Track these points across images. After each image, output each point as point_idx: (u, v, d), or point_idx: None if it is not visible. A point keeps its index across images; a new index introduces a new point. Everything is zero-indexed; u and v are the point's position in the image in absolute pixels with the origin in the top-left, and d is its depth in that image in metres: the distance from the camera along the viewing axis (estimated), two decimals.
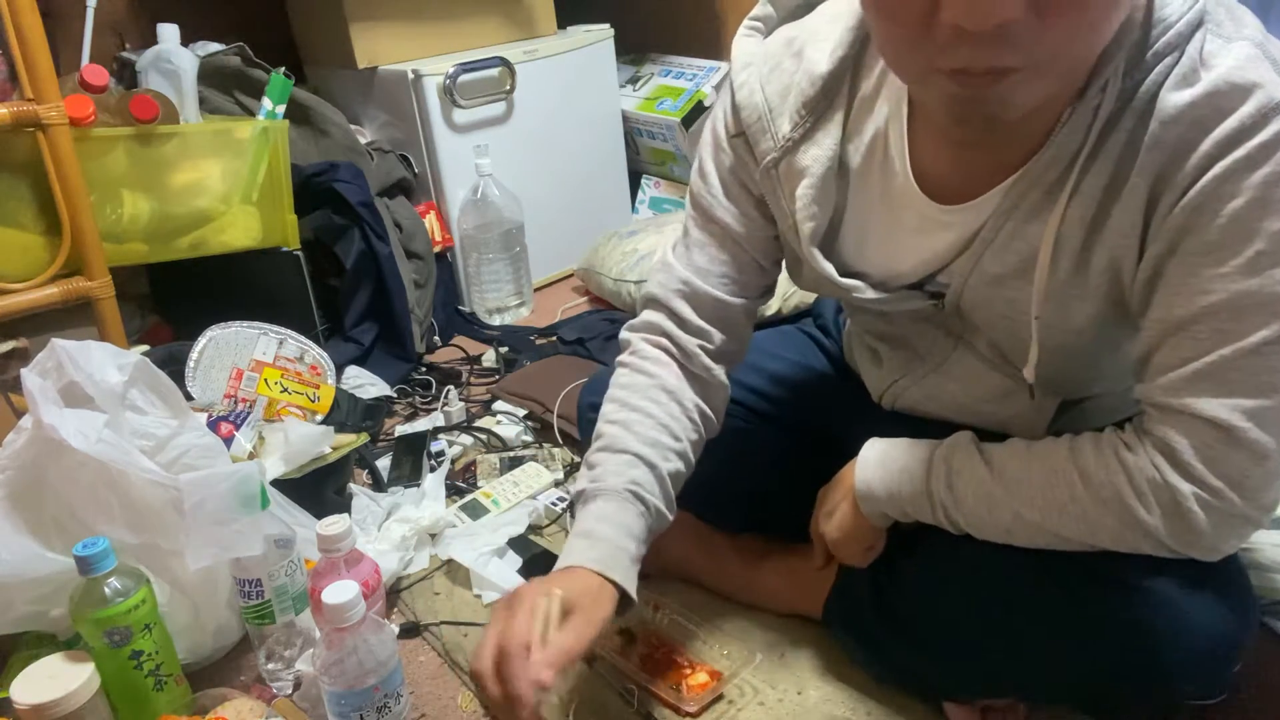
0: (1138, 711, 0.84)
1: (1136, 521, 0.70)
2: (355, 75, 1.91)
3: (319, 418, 1.37)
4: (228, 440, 1.17)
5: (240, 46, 1.74)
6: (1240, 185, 0.62)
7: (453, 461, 1.40)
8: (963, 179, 0.74)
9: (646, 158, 2.32)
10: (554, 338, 1.85)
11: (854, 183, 0.81)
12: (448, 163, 1.92)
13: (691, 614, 1.01)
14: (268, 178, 1.60)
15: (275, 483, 1.09)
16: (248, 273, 1.67)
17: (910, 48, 0.62)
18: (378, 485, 1.34)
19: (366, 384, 1.61)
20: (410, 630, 1.08)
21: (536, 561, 1.14)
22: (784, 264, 0.93)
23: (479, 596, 1.12)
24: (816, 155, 0.79)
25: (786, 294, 1.61)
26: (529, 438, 1.48)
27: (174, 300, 1.85)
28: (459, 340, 1.91)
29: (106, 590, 0.85)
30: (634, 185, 2.33)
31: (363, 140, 1.88)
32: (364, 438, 1.31)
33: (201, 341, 1.36)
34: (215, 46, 1.75)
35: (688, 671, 0.95)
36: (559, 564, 0.82)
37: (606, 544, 0.81)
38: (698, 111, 2.14)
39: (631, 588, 0.81)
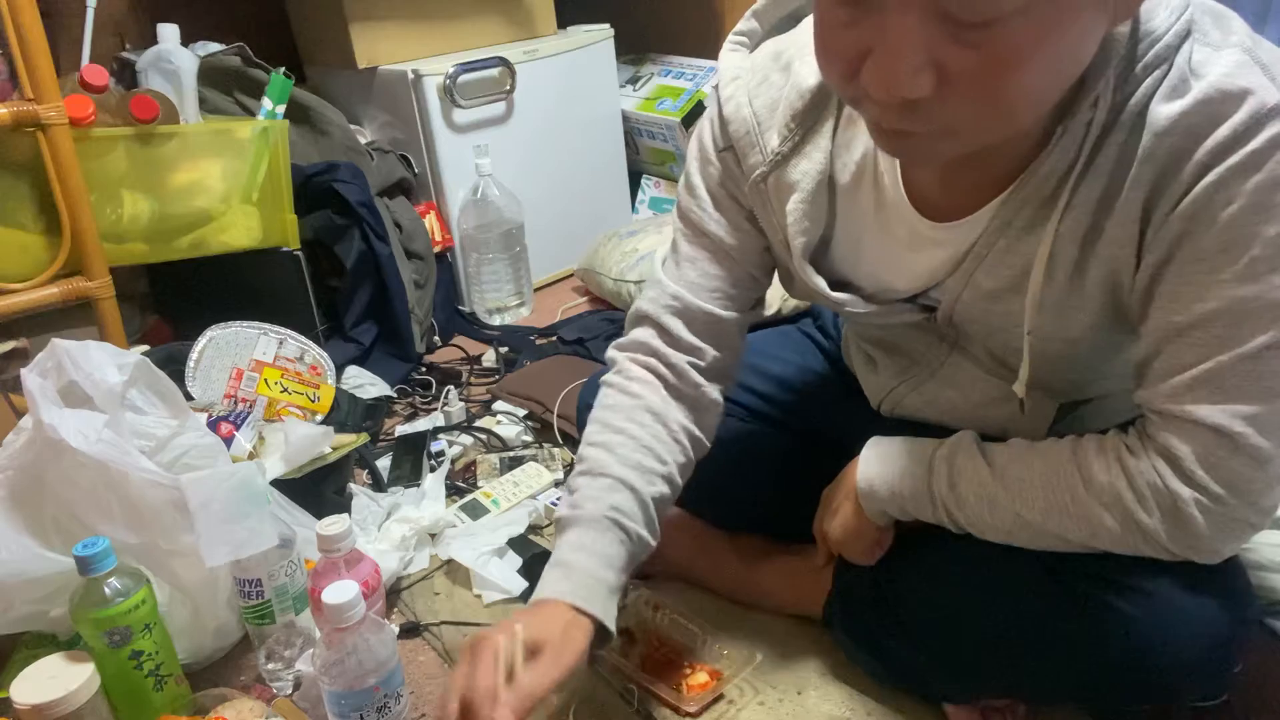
0: (1137, 712, 0.84)
1: (1137, 525, 0.70)
2: (355, 75, 1.91)
3: (319, 418, 1.37)
4: (228, 440, 1.17)
5: (240, 46, 1.74)
6: (1235, 191, 0.62)
7: (453, 461, 1.40)
8: (954, 195, 0.74)
9: (646, 158, 2.32)
10: (554, 338, 1.85)
11: (845, 197, 0.80)
12: (448, 163, 1.92)
13: (691, 614, 1.01)
14: (268, 178, 1.60)
15: (275, 483, 1.09)
16: (248, 273, 1.67)
17: (839, 87, 0.65)
18: (378, 485, 1.34)
19: (366, 384, 1.61)
20: (410, 630, 1.08)
21: (536, 561, 1.14)
22: (776, 274, 0.92)
23: (479, 596, 1.12)
24: (806, 170, 0.79)
25: (786, 294, 1.61)
26: (529, 438, 1.48)
27: (174, 300, 1.85)
28: (459, 340, 1.91)
29: (106, 590, 0.85)
30: (634, 185, 2.33)
31: (363, 140, 1.88)
32: (364, 438, 1.31)
33: (201, 341, 1.36)
34: (215, 46, 1.75)
35: (688, 671, 0.95)
36: (533, 596, 0.80)
37: (582, 575, 0.79)
38: (698, 111, 2.14)
39: (609, 620, 0.78)
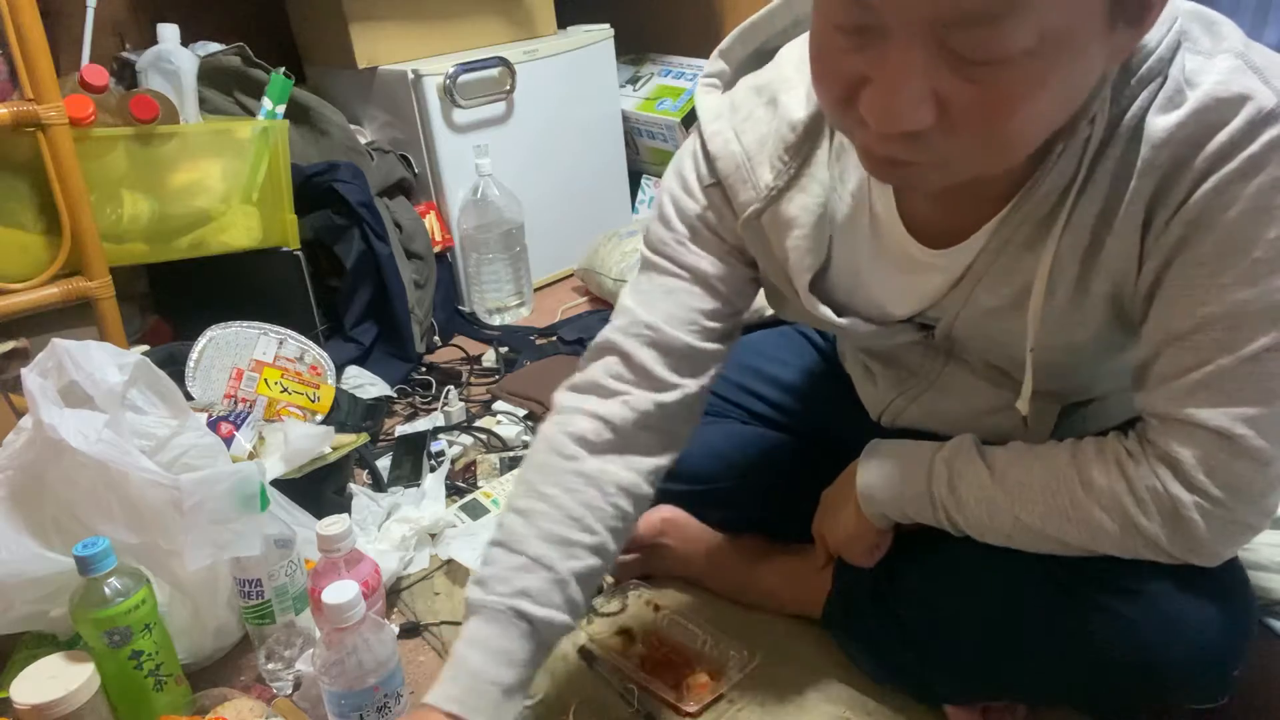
0: (1137, 714, 0.84)
1: (1137, 529, 0.70)
2: (355, 75, 1.91)
3: (319, 418, 1.37)
4: (228, 440, 1.17)
5: (240, 46, 1.74)
6: (1235, 195, 0.62)
7: (453, 461, 1.40)
8: (950, 218, 0.73)
9: (646, 158, 2.32)
10: (554, 338, 1.86)
11: (842, 228, 0.79)
12: (448, 163, 1.92)
13: (691, 614, 1.01)
14: (268, 178, 1.60)
15: (275, 483, 1.09)
16: (248, 273, 1.67)
17: (832, 114, 0.64)
18: (378, 485, 1.34)
19: (366, 384, 1.61)
20: (410, 630, 1.08)
21: None
22: (764, 293, 0.90)
23: None
24: (805, 204, 0.78)
25: None
26: (529, 438, 1.48)
27: (174, 300, 1.85)
28: (459, 340, 1.91)
29: (106, 590, 0.85)
30: (634, 185, 2.33)
31: (363, 140, 1.88)
32: (364, 438, 1.31)
33: (201, 341, 1.36)
34: (215, 46, 1.75)
35: (687, 671, 0.95)
36: (424, 697, 0.73)
37: (470, 679, 0.73)
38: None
39: None
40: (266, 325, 1.41)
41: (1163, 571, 0.72)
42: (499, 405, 1.56)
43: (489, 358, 1.78)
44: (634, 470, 0.82)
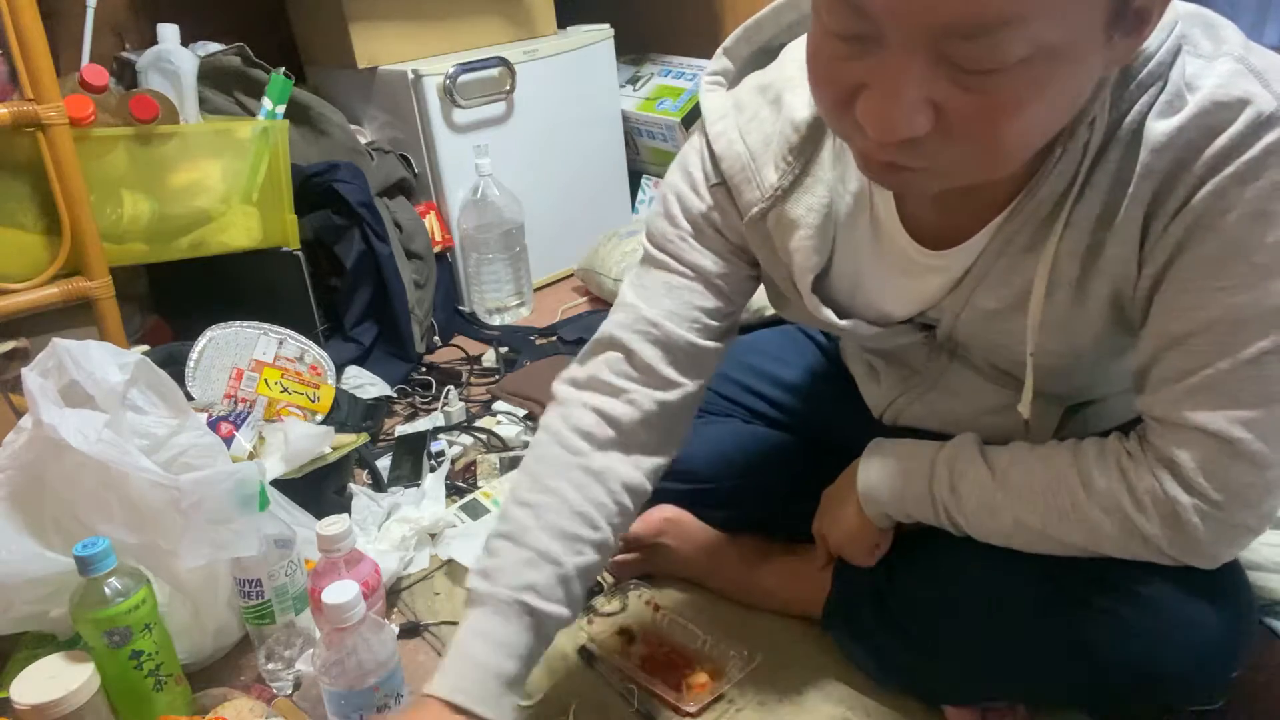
0: (1137, 715, 0.84)
1: (1137, 531, 0.70)
2: (355, 75, 1.91)
3: (319, 418, 1.37)
4: (228, 440, 1.17)
5: (240, 46, 1.74)
6: (1234, 199, 0.62)
7: (453, 461, 1.40)
8: (950, 221, 0.74)
9: (646, 158, 2.32)
10: (554, 338, 1.85)
11: (843, 229, 0.79)
12: (448, 163, 1.92)
13: (691, 614, 1.01)
14: (268, 178, 1.60)
15: (275, 483, 1.09)
16: (248, 273, 1.67)
17: (829, 119, 0.65)
18: (378, 485, 1.34)
19: (366, 384, 1.61)
20: (410, 630, 1.08)
21: None
22: (765, 293, 0.90)
23: None
24: (810, 205, 0.78)
25: None
26: (529, 438, 1.47)
27: (174, 300, 1.85)
28: (459, 340, 1.91)
29: (106, 590, 0.85)
30: (634, 185, 2.33)
31: (363, 140, 1.88)
32: (364, 438, 1.31)
33: (201, 341, 1.36)
34: (215, 46, 1.75)
35: (688, 671, 0.95)
36: (426, 686, 0.73)
37: (475, 670, 0.73)
38: (698, 111, 2.13)
39: (503, 717, 0.73)
40: (266, 325, 1.40)
41: (1162, 573, 0.72)
42: (499, 405, 1.56)
43: (489, 358, 1.78)
44: (637, 467, 0.83)
